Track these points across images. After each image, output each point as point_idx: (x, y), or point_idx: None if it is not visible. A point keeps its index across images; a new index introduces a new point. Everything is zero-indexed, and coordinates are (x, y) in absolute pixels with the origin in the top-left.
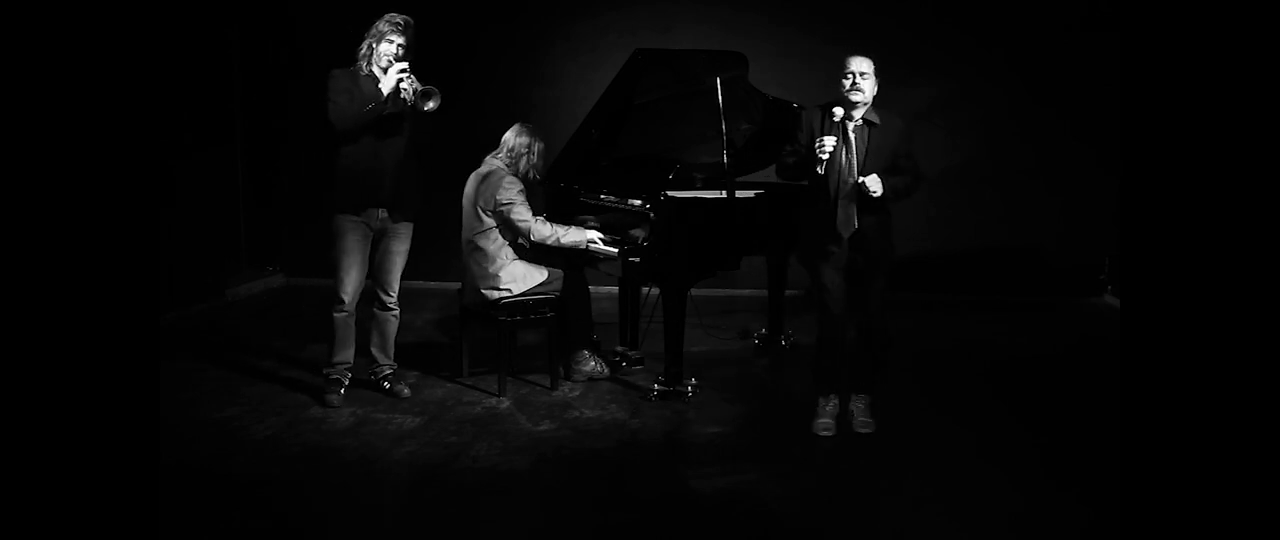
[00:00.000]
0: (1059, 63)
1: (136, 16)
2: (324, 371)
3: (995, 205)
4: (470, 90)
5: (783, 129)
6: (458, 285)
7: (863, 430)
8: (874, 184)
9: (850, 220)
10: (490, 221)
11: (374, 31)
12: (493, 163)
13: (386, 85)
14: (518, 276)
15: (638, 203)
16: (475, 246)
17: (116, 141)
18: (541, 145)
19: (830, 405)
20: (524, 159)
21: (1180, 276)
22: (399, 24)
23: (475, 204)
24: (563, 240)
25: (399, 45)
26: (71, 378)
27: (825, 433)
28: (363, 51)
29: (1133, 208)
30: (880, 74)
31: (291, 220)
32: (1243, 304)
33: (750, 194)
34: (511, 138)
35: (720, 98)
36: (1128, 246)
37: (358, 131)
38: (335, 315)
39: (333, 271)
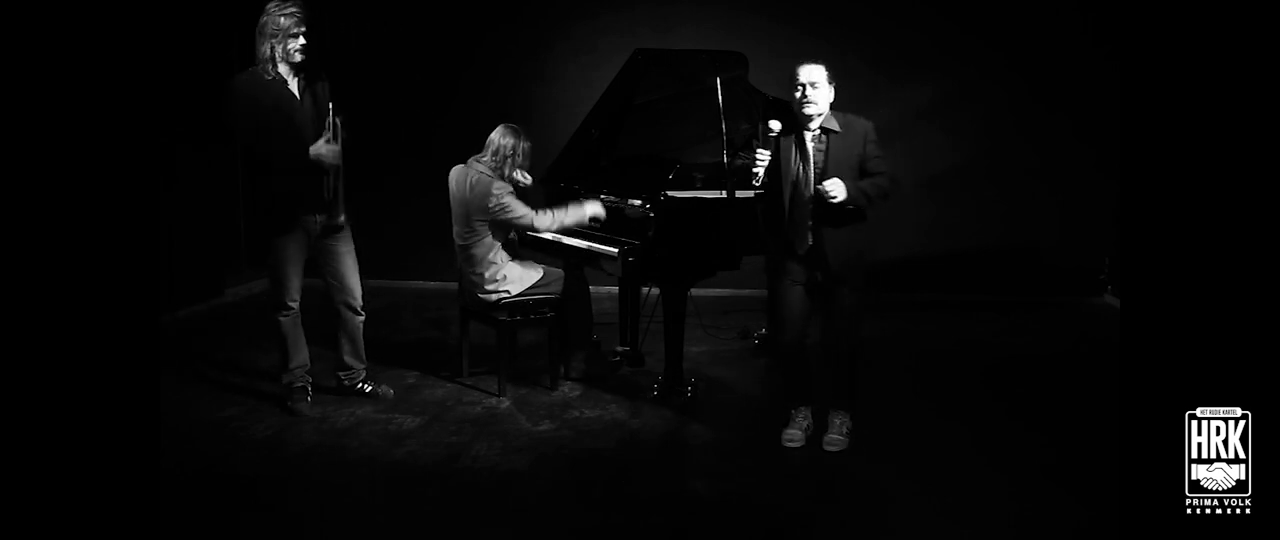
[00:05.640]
0: (1059, 62)
1: (137, 17)
2: (283, 380)
3: (995, 205)
4: (470, 90)
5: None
6: (456, 285)
7: (831, 448)
8: (835, 187)
9: (805, 235)
10: (483, 230)
11: (273, 28)
12: (477, 167)
13: (327, 152)
14: (514, 278)
15: (638, 203)
16: (468, 253)
17: (117, 142)
18: (527, 145)
19: (800, 416)
20: (509, 162)
21: (1180, 276)
22: (296, 13)
23: (468, 212)
24: (567, 222)
25: (303, 33)
26: (72, 378)
27: (790, 444)
28: (265, 53)
29: (1132, 208)
30: (833, 80)
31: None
32: (1241, 303)
33: (750, 194)
34: (496, 139)
35: (720, 98)
36: (1128, 246)
37: (292, 163)
38: (282, 319)
39: (273, 278)
